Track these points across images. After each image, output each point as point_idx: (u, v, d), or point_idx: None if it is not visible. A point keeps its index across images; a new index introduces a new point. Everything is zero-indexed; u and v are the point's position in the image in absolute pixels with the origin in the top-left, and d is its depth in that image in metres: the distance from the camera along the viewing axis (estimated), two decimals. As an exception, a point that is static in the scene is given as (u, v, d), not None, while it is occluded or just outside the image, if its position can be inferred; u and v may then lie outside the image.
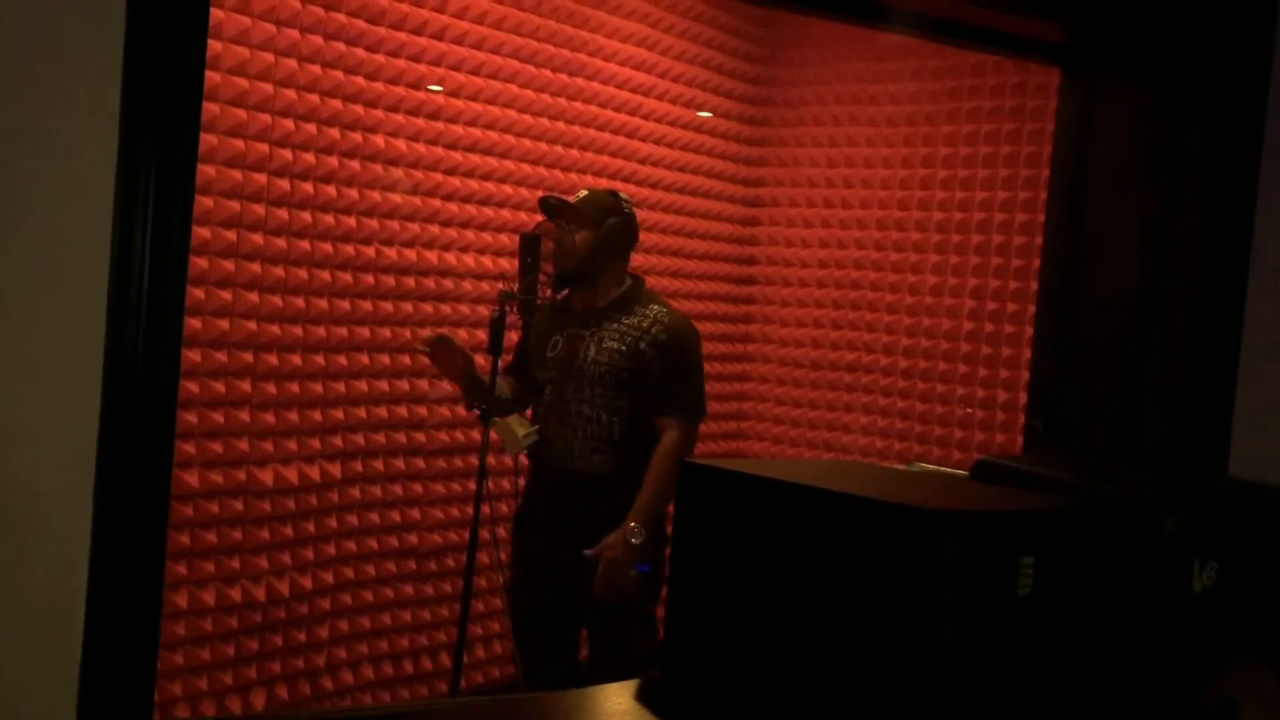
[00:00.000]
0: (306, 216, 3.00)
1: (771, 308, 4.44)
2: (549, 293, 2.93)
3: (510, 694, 3.21)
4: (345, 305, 3.13)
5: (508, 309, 2.88)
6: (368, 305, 3.19)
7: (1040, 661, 1.11)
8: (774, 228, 4.42)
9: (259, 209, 2.89)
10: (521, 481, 3.06)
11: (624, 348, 2.90)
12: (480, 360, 2.93)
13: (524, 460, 3.03)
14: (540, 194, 3.12)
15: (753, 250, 4.47)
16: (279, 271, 2.95)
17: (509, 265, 3.27)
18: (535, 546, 3.00)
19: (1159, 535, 1.21)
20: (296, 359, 3.02)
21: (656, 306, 2.98)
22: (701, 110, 4.14)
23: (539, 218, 3.25)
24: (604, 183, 3.67)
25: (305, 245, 3.01)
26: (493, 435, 2.90)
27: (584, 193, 2.99)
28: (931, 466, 2.39)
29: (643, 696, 1.13)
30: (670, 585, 1.31)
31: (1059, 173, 2.69)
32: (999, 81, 3.80)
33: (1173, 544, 1.21)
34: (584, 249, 2.91)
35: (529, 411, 3.07)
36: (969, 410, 3.85)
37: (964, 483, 1.36)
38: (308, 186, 3.00)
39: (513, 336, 3.08)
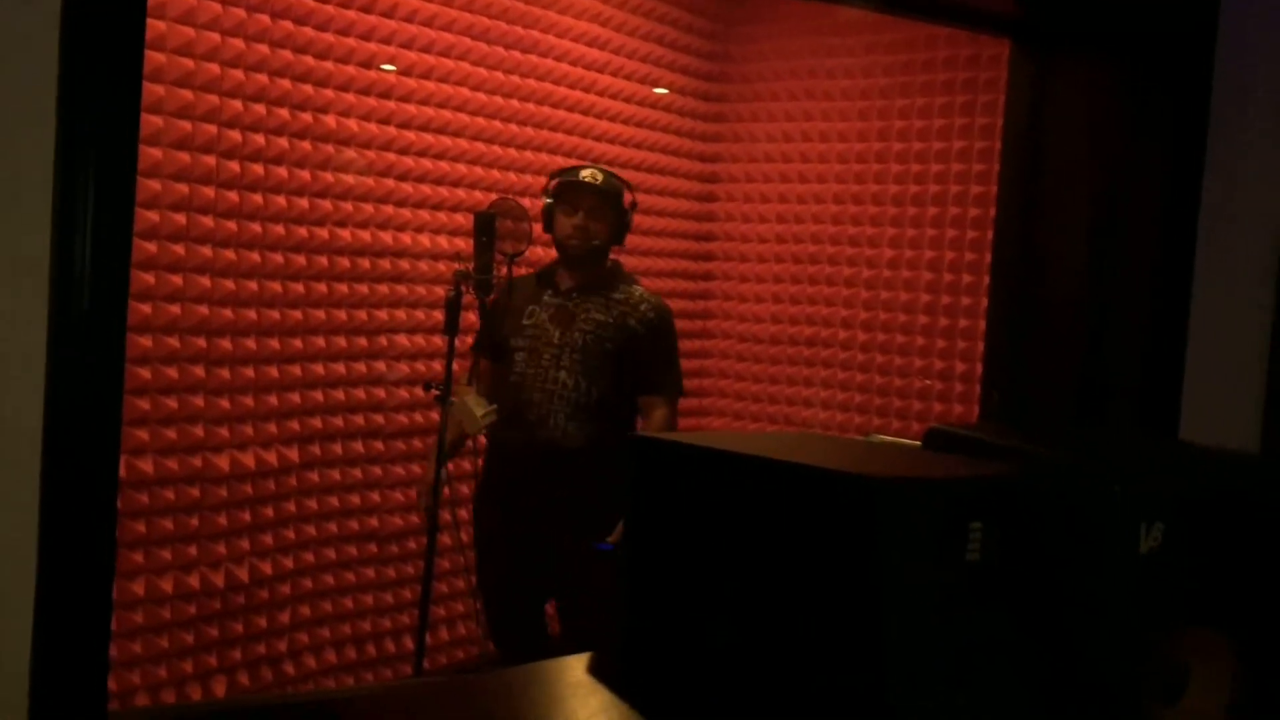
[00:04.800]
0: (258, 199, 2.97)
1: (730, 283, 4.44)
2: (504, 271, 2.92)
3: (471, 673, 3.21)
4: (299, 288, 3.10)
5: (464, 289, 2.88)
6: (322, 288, 3.16)
7: (993, 625, 1.12)
8: (731, 203, 4.42)
9: (209, 192, 2.85)
10: (480, 463, 3.05)
11: (611, 321, 2.98)
12: (438, 341, 2.93)
13: (482, 439, 3.03)
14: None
15: (711, 226, 4.46)
16: (230, 255, 2.91)
17: (465, 245, 3.25)
18: (503, 518, 3.01)
19: (1105, 499, 1.22)
20: (251, 343, 2.99)
21: (638, 287, 3.09)
22: (658, 87, 4.13)
23: (494, 196, 3.23)
24: (560, 161, 3.65)
25: (256, 228, 2.97)
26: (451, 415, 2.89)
27: (599, 173, 3.01)
28: (889, 438, 2.39)
29: (597, 669, 1.14)
30: (627, 559, 1.31)
31: (1011, 145, 2.70)
32: (952, 54, 3.81)
33: (1119, 507, 1.22)
34: (610, 231, 3.01)
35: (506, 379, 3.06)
36: (927, 382, 3.88)
37: (916, 452, 1.37)
38: (258, 168, 2.96)
39: (470, 317, 3.07)
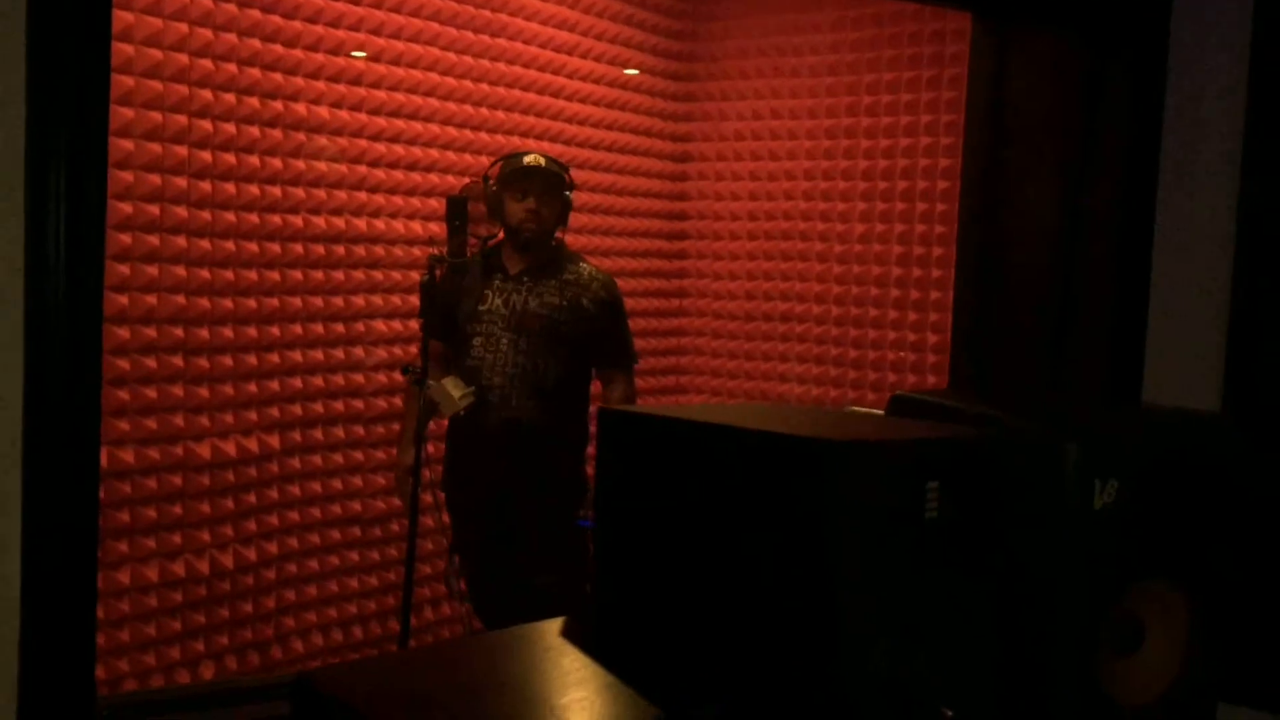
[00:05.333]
0: (230, 188, 2.98)
1: (704, 262, 4.47)
2: (476, 254, 2.95)
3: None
4: (275, 276, 3.11)
5: (437, 272, 2.90)
6: (298, 275, 3.18)
7: (952, 581, 1.16)
8: (703, 182, 4.45)
9: (181, 182, 2.86)
10: (431, 447, 3.07)
11: (565, 302, 3.03)
12: (415, 326, 2.95)
13: (444, 424, 3.08)
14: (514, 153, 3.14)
15: (683, 205, 4.49)
16: (205, 244, 2.93)
17: (439, 230, 3.27)
18: (474, 500, 3.07)
19: (1060, 458, 1.27)
20: (228, 332, 3.00)
21: (585, 265, 3.12)
22: (627, 68, 4.15)
23: (466, 180, 3.25)
24: (532, 144, 3.67)
25: (230, 217, 2.99)
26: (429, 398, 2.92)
27: (540, 158, 3.03)
28: (864, 409, 2.44)
29: (570, 633, 1.17)
30: (596, 528, 1.35)
31: (974, 118, 2.74)
32: (918, 29, 3.84)
33: (1074, 465, 1.27)
34: (559, 213, 3.05)
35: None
36: (900, 354, 3.93)
37: (877, 418, 1.41)
38: (230, 157, 2.97)
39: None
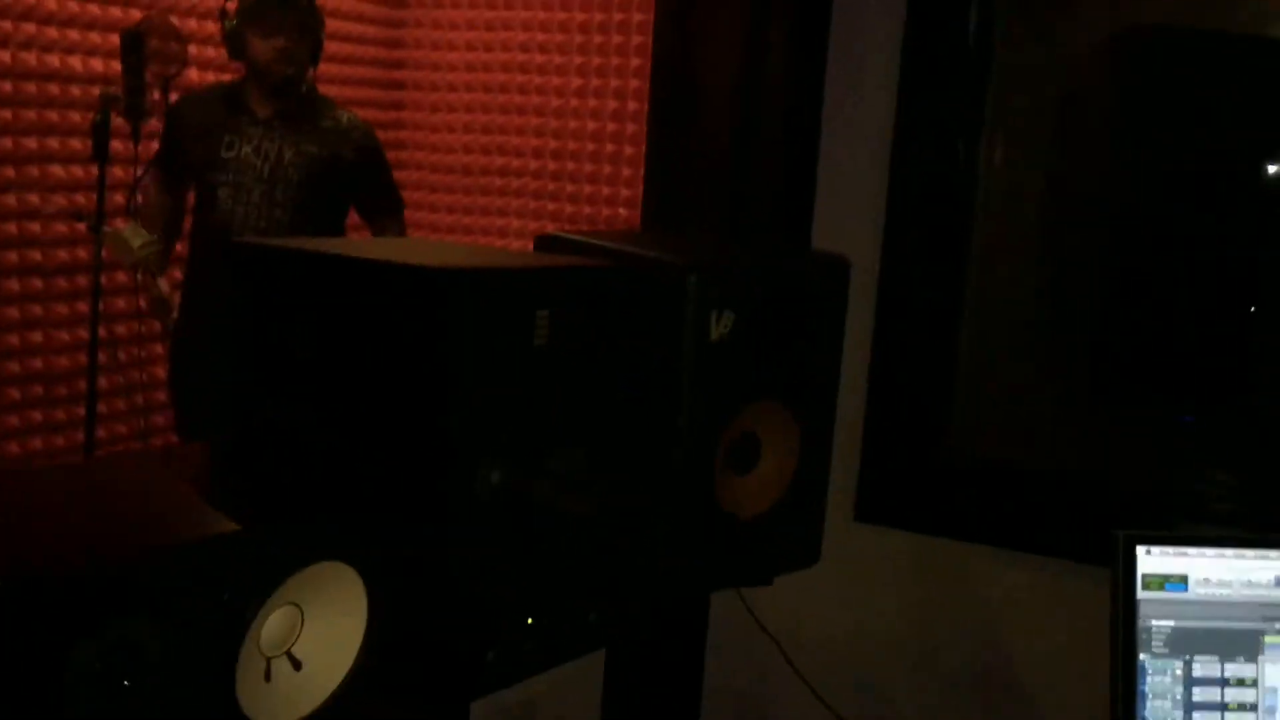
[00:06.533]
0: None
1: (422, 114, 4.37)
2: (157, 95, 2.77)
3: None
4: (-73, 113, 2.84)
5: (112, 114, 2.72)
6: (-44, 113, 2.92)
7: (567, 406, 1.21)
8: (420, 30, 4.32)
9: None
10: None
11: (326, 154, 2.86)
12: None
13: (177, 275, 2.92)
14: None
15: (400, 54, 4.36)
16: None
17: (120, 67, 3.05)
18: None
19: (679, 289, 1.34)
20: (-127, 174, 2.74)
21: (344, 112, 2.97)
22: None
23: (147, 12, 3.03)
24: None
25: None
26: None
27: None
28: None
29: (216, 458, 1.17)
30: (231, 363, 1.33)
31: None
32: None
33: (691, 297, 1.34)
34: (312, 52, 2.85)
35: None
36: (613, 210, 4.00)
37: (506, 252, 1.44)
38: None
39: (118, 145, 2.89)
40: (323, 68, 3.93)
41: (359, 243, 1.36)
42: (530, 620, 1.17)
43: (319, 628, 0.95)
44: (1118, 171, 2.63)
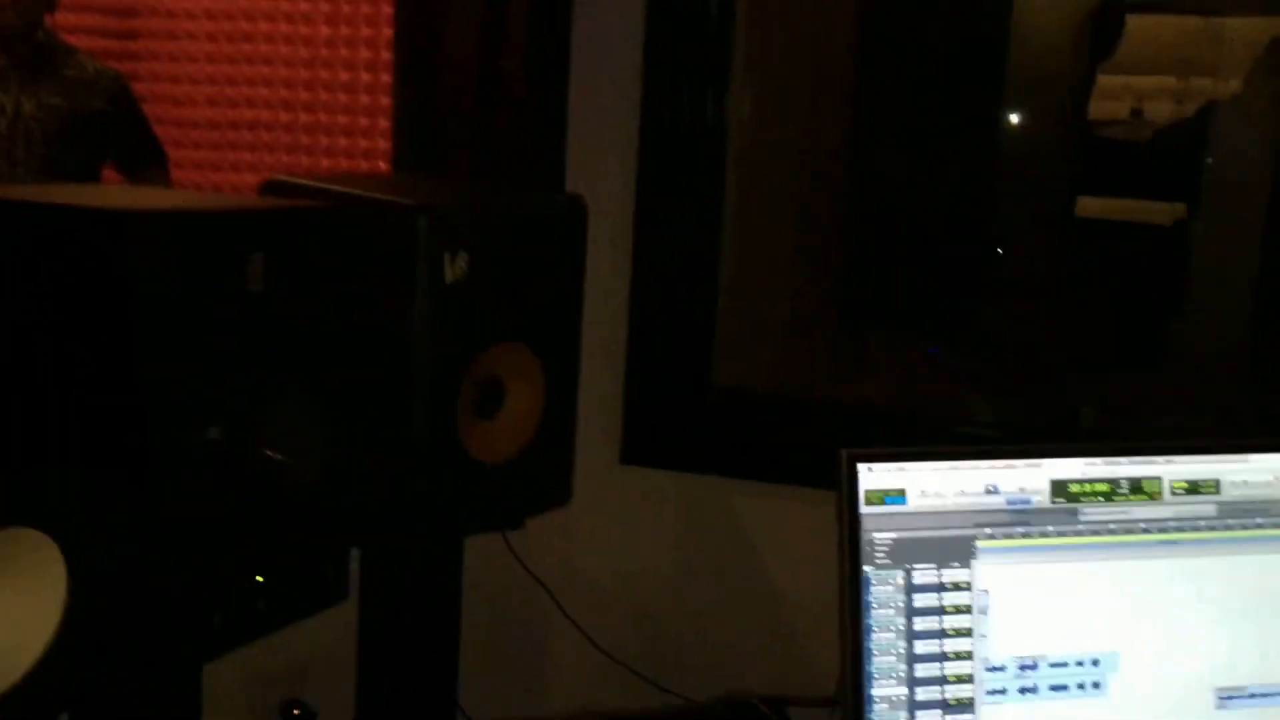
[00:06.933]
0: None
1: (159, 64, 4.11)
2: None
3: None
4: None
5: None
6: None
7: (289, 352, 1.16)
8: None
9: None
10: None
11: (71, 105, 2.68)
12: None
13: None
14: None
15: (131, 1, 4.08)
16: None
17: None
18: None
19: (409, 230, 1.30)
20: None
21: (87, 59, 2.74)
22: None
23: None
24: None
25: None
26: None
27: None
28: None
29: None
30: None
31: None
32: None
33: (422, 238, 1.30)
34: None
35: None
36: (372, 163, 3.88)
37: (224, 196, 1.37)
38: None
39: None
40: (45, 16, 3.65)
41: (52, 188, 1.26)
42: (260, 579, 1.12)
43: (6, 600, 0.88)
44: (863, 117, 2.74)
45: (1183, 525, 1.24)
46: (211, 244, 1.04)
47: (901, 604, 1.15)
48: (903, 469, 1.17)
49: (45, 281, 1.03)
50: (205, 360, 1.04)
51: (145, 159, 2.88)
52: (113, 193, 1.22)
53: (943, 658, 1.17)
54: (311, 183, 1.44)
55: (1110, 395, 2.36)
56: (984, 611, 1.18)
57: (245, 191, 4.04)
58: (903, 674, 1.15)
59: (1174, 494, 1.24)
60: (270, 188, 1.44)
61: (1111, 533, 1.22)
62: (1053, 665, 1.20)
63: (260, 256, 1.09)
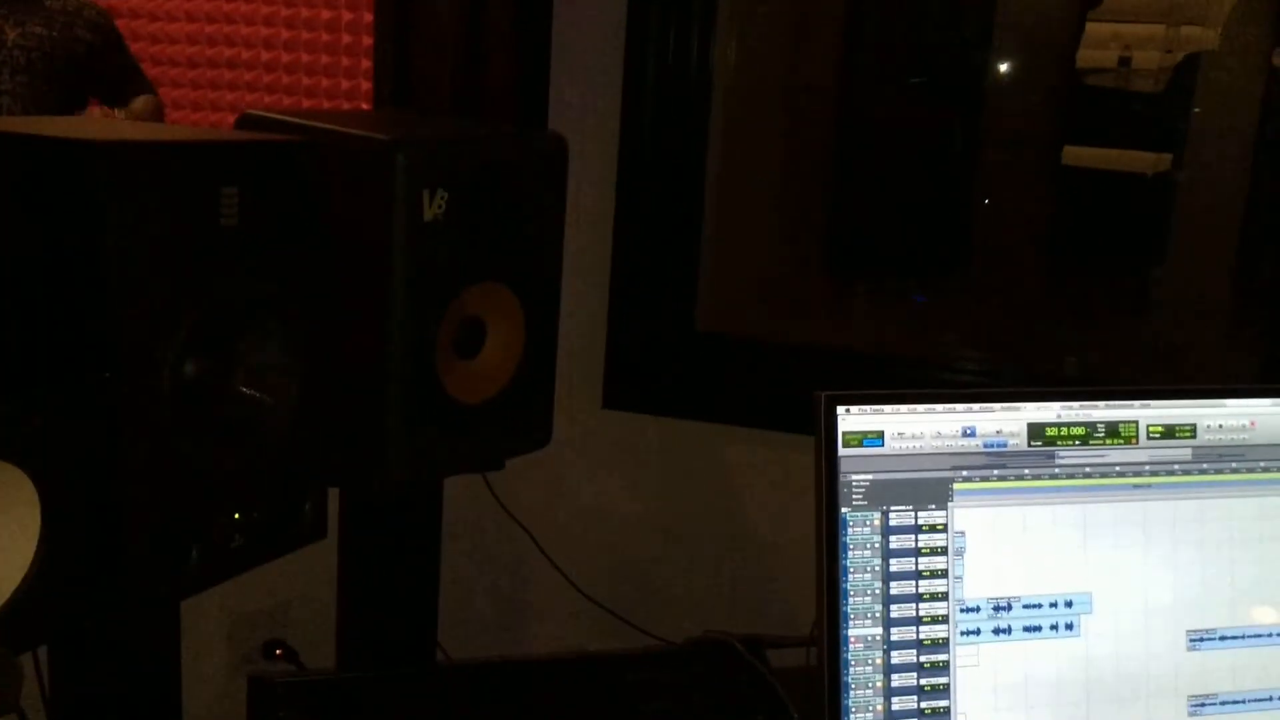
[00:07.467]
0: None
1: (139, 21, 4.04)
2: None
3: None
4: None
5: None
6: None
7: (264, 287, 1.14)
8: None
9: None
10: None
11: (56, 35, 2.65)
12: None
13: None
14: None
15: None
16: None
17: None
18: None
19: (388, 167, 1.28)
20: None
21: None
22: None
23: None
24: None
25: None
26: None
27: None
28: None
29: None
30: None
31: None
32: None
33: (401, 175, 1.29)
34: None
35: None
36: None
37: (198, 129, 1.35)
38: None
39: None
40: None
41: (27, 120, 1.24)
42: (237, 515, 1.12)
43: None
44: (849, 62, 2.71)
45: (1157, 469, 1.24)
46: (184, 177, 1.02)
47: (878, 545, 1.16)
48: (880, 411, 1.17)
49: (15, 213, 1.01)
50: (177, 295, 1.03)
51: (132, 90, 2.83)
52: (87, 125, 1.20)
53: (918, 598, 1.18)
54: (288, 118, 1.42)
55: (1092, 343, 2.37)
56: (959, 553, 1.18)
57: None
58: (878, 614, 1.16)
59: (1150, 438, 1.24)
60: (246, 121, 1.41)
61: (1087, 476, 1.23)
62: (1026, 606, 1.21)
63: (235, 190, 1.07)
